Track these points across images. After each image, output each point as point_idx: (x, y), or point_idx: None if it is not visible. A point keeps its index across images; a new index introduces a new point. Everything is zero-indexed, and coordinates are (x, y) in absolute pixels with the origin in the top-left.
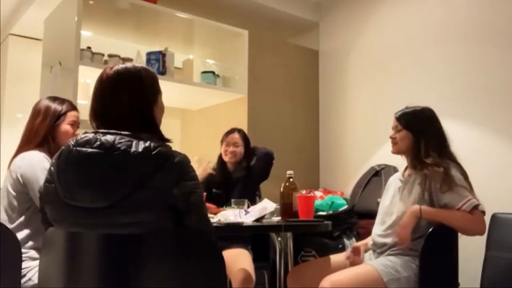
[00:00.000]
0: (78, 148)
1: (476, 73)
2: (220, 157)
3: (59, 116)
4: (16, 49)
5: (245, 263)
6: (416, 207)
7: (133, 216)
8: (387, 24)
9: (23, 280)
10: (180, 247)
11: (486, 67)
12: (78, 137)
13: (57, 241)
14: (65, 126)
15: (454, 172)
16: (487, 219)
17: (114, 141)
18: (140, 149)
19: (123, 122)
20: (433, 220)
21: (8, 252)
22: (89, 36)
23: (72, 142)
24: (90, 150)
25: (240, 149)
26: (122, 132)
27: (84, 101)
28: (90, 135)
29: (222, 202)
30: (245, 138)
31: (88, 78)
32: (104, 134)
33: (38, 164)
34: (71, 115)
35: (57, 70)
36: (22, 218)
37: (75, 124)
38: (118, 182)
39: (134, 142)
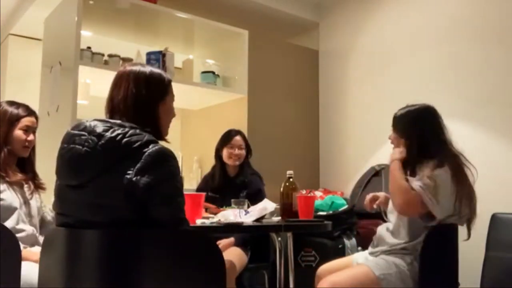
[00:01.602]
0: (69, 130)
1: (477, 72)
2: (220, 160)
3: (13, 121)
4: (16, 49)
5: (231, 256)
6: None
7: (99, 199)
8: (387, 24)
9: None
10: (180, 247)
11: (486, 67)
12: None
13: (57, 241)
14: (17, 132)
15: (440, 183)
16: (487, 219)
17: (95, 125)
18: (113, 134)
19: (125, 113)
20: (390, 174)
21: (8, 252)
22: (89, 36)
23: (70, 127)
24: (74, 131)
25: (244, 152)
26: (111, 120)
27: (84, 101)
28: (83, 121)
29: (218, 205)
30: (245, 140)
31: (88, 78)
32: (94, 120)
33: None
34: (25, 121)
35: (57, 70)
36: None
37: (30, 129)
38: (88, 163)
39: (115, 129)
